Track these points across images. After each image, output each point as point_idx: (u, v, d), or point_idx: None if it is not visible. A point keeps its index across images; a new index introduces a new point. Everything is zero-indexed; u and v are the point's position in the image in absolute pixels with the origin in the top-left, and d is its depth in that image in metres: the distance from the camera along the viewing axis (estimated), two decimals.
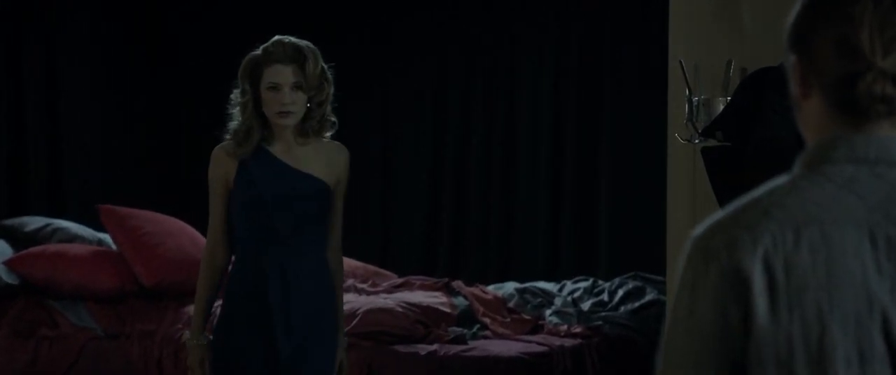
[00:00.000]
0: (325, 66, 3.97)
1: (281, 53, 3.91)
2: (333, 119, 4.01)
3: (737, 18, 4.39)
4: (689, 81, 4.14)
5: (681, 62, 4.19)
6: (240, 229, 3.96)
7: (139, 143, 7.73)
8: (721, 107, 3.93)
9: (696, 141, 4.06)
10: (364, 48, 7.68)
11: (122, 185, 7.44)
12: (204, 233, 6.18)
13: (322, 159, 4.00)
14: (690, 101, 4.12)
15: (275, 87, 3.90)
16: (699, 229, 1.58)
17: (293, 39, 3.95)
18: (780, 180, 1.60)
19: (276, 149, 3.98)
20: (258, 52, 3.96)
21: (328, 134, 4.02)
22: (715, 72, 4.22)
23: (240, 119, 3.97)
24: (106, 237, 6.30)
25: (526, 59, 7.51)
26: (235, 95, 3.99)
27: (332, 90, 3.98)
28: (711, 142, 3.80)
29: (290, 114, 3.91)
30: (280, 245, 3.91)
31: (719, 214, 1.58)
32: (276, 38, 3.95)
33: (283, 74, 3.89)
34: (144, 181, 7.64)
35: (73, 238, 6.31)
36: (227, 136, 4.00)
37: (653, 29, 6.39)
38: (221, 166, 3.96)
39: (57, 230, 6.34)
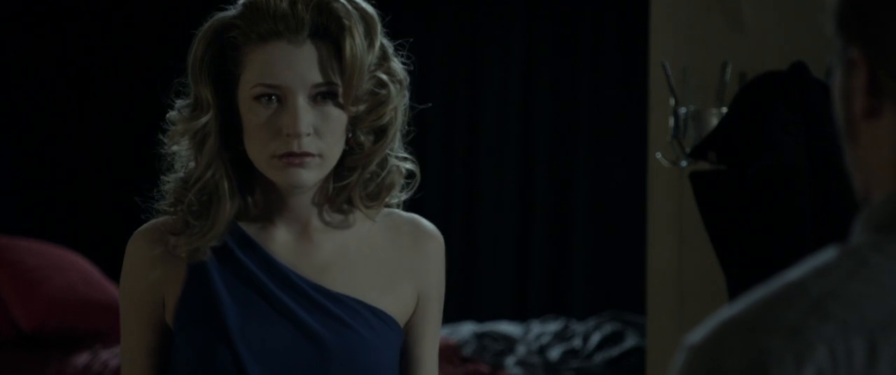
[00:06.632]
0: (389, 46, 2.01)
1: (285, 17, 1.86)
2: (411, 166, 2.03)
3: (734, 11, 4.16)
4: (674, 89, 3.85)
5: (664, 65, 3.91)
6: None
7: (28, 162, 7.18)
8: (715, 122, 3.66)
9: (684, 163, 3.77)
10: None
11: (8, 211, 6.92)
12: (102, 267, 5.81)
13: (386, 260, 2.05)
14: (676, 114, 3.83)
15: (271, 95, 1.88)
16: (699, 333, 1.11)
17: None
18: (831, 254, 1.13)
19: (275, 239, 1.98)
20: (233, 11, 1.92)
21: (396, 200, 2.05)
22: (707, 78, 3.96)
23: (190, 167, 1.95)
24: None
25: (490, 68, 7.33)
26: (179, 111, 1.95)
27: (406, 101, 1.99)
28: (702, 165, 3.51)
29: (307, 160, 1.88)
30: None
31: (733, 309, 1.12)
32: None
33: (289, 65, 1.87)
34: (32, 206, 7.09)
35: None
36: (163, 205, 1.98)
37: (632, 25, 6.22)
38: (144, 273, 1.96)
39: None
